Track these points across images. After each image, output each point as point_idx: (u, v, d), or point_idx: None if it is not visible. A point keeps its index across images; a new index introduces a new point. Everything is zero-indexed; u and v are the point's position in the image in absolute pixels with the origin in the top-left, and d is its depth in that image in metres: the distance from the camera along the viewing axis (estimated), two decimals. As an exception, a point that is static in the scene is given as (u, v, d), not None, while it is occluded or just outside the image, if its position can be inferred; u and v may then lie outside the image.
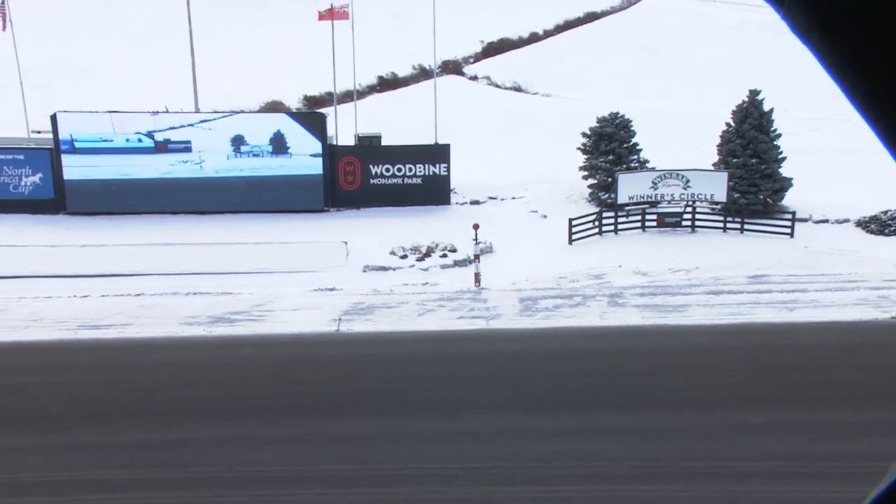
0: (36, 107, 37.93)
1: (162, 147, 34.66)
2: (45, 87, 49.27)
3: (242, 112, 39.40)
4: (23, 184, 34.64)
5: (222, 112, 36.33)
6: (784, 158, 34.05)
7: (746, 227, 31.99)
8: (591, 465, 12.83)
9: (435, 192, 36.17)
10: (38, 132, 36.14)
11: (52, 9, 70.42)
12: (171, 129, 34.72)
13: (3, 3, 36.30)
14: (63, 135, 34.24)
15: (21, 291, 27.07)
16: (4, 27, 36.02)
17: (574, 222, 31.68)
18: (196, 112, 36.38)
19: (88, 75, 58.60)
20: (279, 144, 34.97)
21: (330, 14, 38.24)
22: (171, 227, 32.97)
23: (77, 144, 34.34)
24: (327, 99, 49.02)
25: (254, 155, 35.01)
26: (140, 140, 34.49)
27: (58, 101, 41.62)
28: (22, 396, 16.66)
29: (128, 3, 73.86)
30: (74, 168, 34.40)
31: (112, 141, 34.39)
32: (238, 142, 34.86)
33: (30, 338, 21.97)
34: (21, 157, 34.72)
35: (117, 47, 64.33)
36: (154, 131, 34.62)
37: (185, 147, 34.79)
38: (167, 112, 36.55)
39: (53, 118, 34.21)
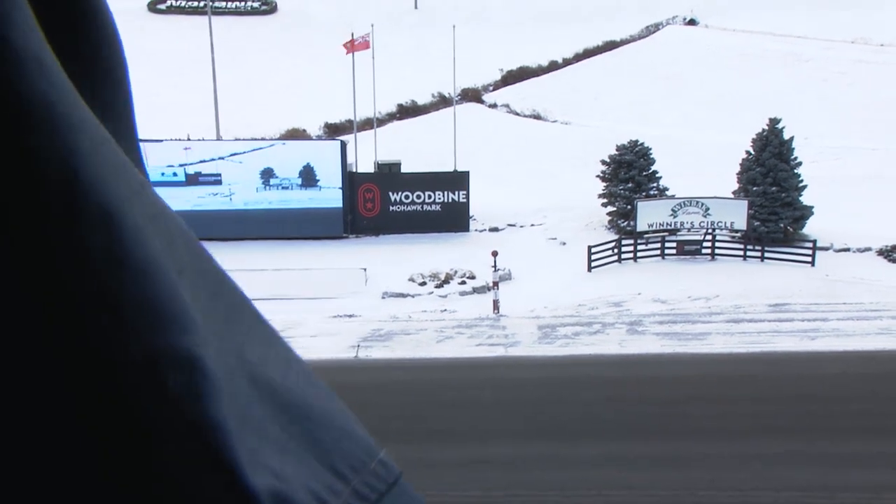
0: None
1: (193, 180, 34.78)
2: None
3: (266, 139, 39.63)
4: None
5: (252, 140, 36.61)
6: (805, 187, 33.88)
7: (767, 255, 31.79)
8: (610, 494, 12.70)
9: (454, 219, 36.22)
10: None
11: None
12: (201, 161, 34.83)
13: None
14: None
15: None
16: None
17: (593, 250, 31.60)
18: (221, 140, 36.70)
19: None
20: (308, 177, 35.09)
21: (352, 44, 38.66)
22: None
23: None
24: (348, 126, 49.37)
25: (283, 188, 35.11)
26: (174, 174, 34.62)
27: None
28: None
29: (154, 35, 74.92)
30: None
31: (148, 175, 34.56)
32: (267, 174, 35.00)
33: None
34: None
35: (142, 77, 65.21)
36: (185, 164, 34.73)
37: (216, 180, 34.91)
38: (202, 140, 36.67)
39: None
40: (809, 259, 31.04)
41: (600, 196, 36.53)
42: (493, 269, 27.90)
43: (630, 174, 35.89)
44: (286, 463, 0.51)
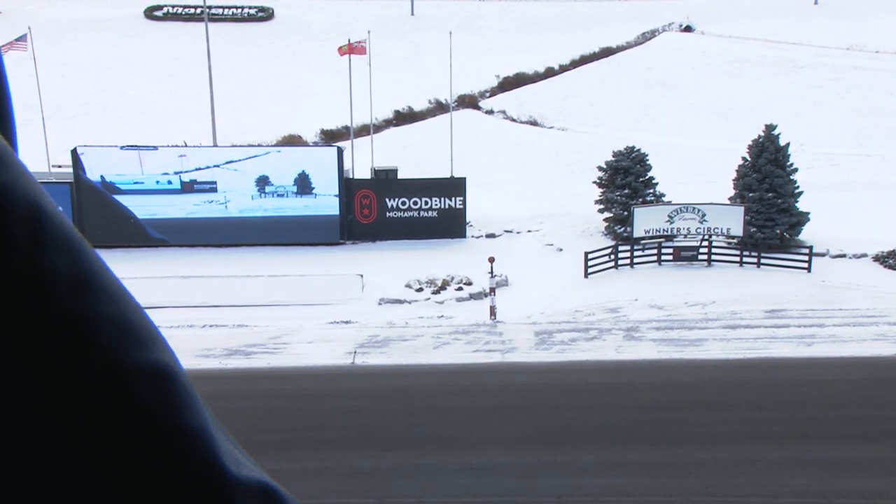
0: (58, 142, 38.37)
1: (188, 187, 34.73)
2: (68, 123, 49.89)
3: (262, 146, 39.57)
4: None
5: (248, 147, 36.46)
6: (800, 193, 33.94)
7: (763, 261, 31.82)
8: (606, 501, 12.70)
9: (451, 226, 36.19)
10: (59, 167, 36.43)
11: (77, 46, 71.52)
12: (197, 169, 34.76)
13: (24, 36, 36.95)
14: (95, 176, 34.27)
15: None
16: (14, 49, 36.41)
17: (590, 256, 31.61)
18: (217, 147, 36.61)
19: (111, 111, 59.33)
20: (304, 184, 35.01)
21: (349, 49, 38.69)
22: (189, 261, 33.14)
23: (109, 184, 34.46)
24: (344, 133, 49.40)
25: (278, 195, 35.05)
26: (169, 182, 34.57)
27: (80, 137, 42.11)
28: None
29: (150, 42, 74.94)
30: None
31: (143, 183, 34.48)
32: (263, 182, 34.94)
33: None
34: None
35: (141, 84, 65.17)
36: (181, 172, 34.66)
37: (211, 187, 34.88)
38: (198, 147, 36.55)
39: (74, 153, 34.44)
40: (806, 265, 31.07)
41: (597, 202, 36.57)
42: (490, 275, 27.89)
43: (626, 180, 35.93)
44: (256, 467, 0.57)
